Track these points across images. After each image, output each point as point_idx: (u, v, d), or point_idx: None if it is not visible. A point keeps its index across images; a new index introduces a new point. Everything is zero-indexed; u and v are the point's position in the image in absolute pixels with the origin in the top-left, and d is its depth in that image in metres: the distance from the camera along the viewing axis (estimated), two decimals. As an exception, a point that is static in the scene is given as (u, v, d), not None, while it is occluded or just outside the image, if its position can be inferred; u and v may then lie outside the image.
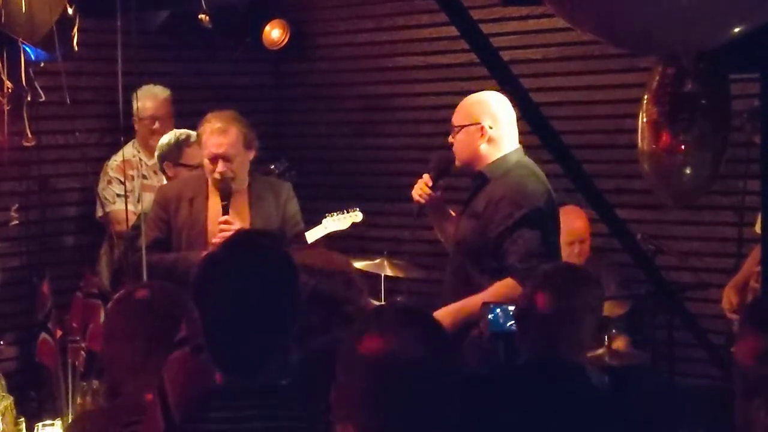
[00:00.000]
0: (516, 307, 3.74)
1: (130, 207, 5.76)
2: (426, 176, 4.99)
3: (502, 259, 4.69)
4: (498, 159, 4.81)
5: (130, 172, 6.25)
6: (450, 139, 4.92)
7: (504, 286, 4.59)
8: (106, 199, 6.30)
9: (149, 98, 6.38)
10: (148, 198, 5.78)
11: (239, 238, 2.82)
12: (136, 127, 6.36)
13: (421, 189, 4.97)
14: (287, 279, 2.65)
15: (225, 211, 5.03)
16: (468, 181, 4.99)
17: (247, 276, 2.59)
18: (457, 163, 4.93)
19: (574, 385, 3.51)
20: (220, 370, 2.59)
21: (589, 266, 5.93)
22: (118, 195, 6.28)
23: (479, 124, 4.78)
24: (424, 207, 5.01)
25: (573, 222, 5.78)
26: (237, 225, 4.97)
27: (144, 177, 6.24)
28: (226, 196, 5.06)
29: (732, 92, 4.21)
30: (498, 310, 4.25)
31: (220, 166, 5.03)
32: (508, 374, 3.68)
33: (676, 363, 5.67)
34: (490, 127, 4.77)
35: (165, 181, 5.74)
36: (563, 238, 5.03)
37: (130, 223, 5.52)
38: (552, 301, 3.56)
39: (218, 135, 5.02)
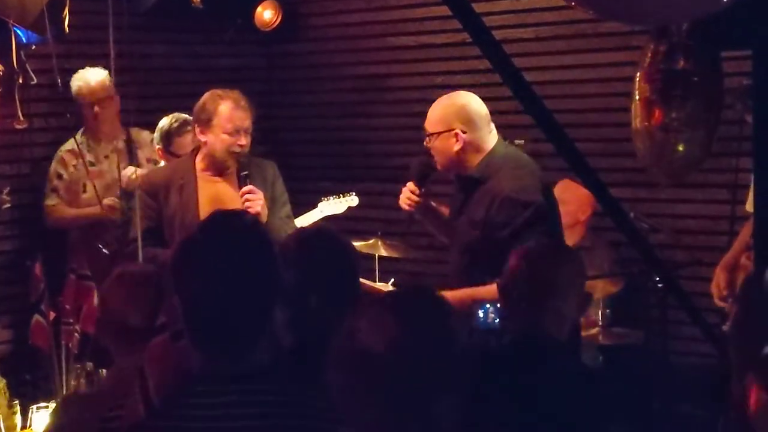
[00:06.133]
0: (500, 283, 3.73)
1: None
2: (410, 184, 4.92)
3: None
4: (484, 158, 4.70)
5: (73, 162, 6.20)
6: (426, 144, 4.82)
7: None
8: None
9: (83, 84, 6.25)
10: (99, 184, 5.78)
11: (215, 219, 2.70)
12: (83, 112, 6.30)
13: (408, 197, 4.91)
14: (266, 259, 2.58)
15: (245, 183, 5.05)
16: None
17: (225, 258, 2.51)
18: (438, 167, 4.86)
19: (560, 362, 3.52)
20: (200, 355, 2.52)
21: (585, 244, 5.96)
22: (52, 190, 6.28)
23: (452, 130, 4.66)
24: (413, 214, 4.97)
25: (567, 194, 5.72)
26: (261, 194, 4.98)
27: (92, 164, 6.15)
28: (246, 167, 5.08)
29: (724, 70, 4.21)
30: (488, 306, 4.24)
31: (243, 140, 5.05)
32: (495, 352, 3.68)
33: (669, 341, 5.68)
34: (464, 132, 4.65)
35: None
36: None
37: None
38: (535, 274, 3.58)
39: (243, 109, 5.07)
